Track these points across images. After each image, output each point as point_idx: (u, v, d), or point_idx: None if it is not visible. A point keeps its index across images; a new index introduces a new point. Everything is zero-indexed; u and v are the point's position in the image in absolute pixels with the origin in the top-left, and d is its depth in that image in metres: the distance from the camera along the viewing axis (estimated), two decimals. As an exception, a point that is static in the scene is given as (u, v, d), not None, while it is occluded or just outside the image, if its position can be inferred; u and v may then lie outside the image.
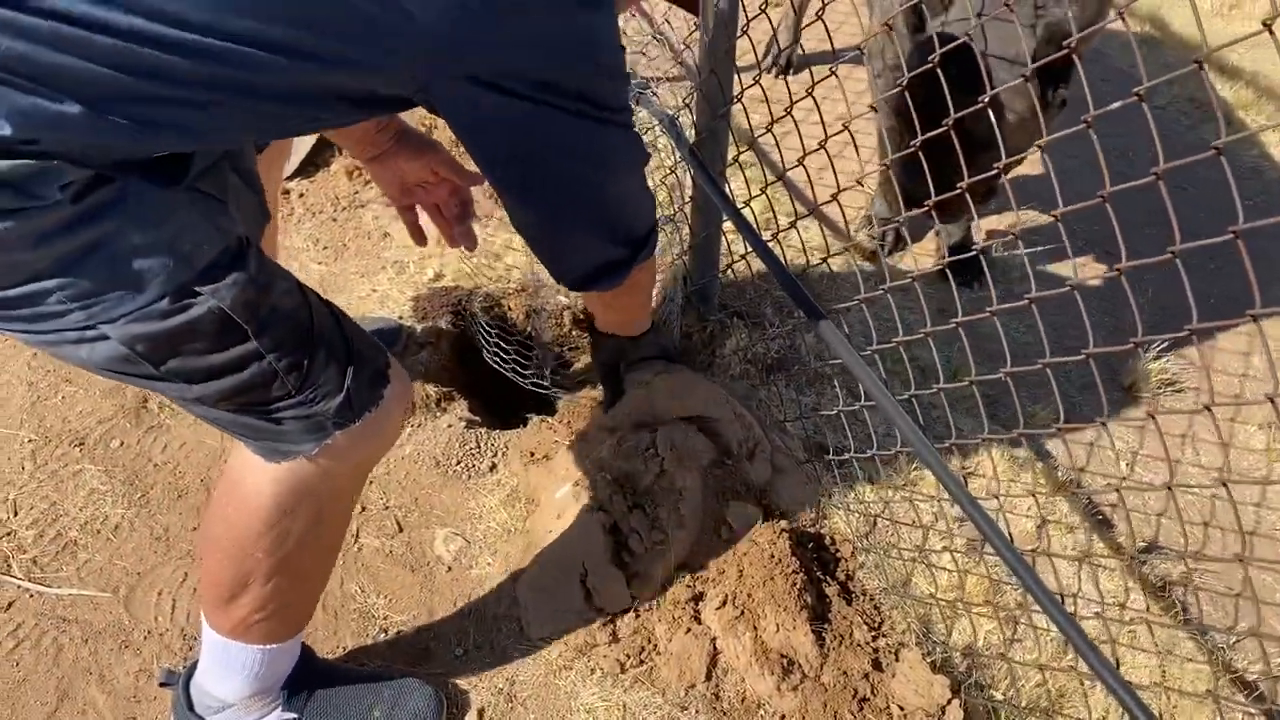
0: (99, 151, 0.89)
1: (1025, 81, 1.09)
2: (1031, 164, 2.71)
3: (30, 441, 1.91)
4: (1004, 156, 1.23)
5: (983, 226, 2.50)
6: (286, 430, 1.12)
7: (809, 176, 1.62)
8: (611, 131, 1.15)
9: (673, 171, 2.01)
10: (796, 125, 1.64)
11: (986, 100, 1.17)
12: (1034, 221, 2.46)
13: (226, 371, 1.04)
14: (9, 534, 1.76)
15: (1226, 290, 2.25)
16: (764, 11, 1.67)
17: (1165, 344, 2.14)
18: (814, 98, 1.51)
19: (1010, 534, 1.48)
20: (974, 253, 1.33)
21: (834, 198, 1.50)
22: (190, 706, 1.43)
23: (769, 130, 1.70)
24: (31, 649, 1.61)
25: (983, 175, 1.24)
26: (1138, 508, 1.92)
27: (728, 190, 1.77)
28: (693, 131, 1.89)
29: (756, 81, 1.74)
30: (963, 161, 1.21)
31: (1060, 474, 1.95)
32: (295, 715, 1.46)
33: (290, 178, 2.52)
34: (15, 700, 1.55)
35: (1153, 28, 3.65)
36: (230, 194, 1.05)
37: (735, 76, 1.78)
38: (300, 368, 1.07)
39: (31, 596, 1.68)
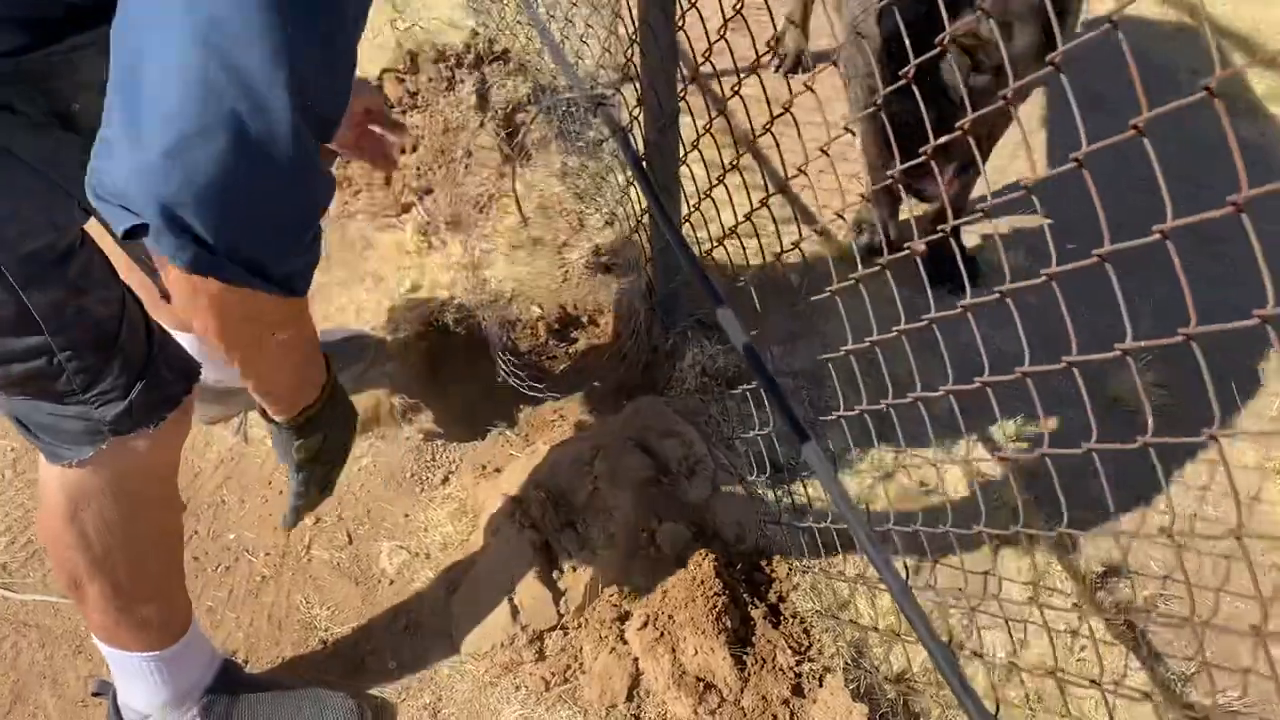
0: None
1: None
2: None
3: (12, 451, 2.00)
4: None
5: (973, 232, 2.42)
6: (67, 430, 1.15)
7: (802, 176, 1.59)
8: None
9: (631, 183, 2.00)
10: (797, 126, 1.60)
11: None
12: (1025, 223, 2.37)
13: (14, 358, 1.07)
14: (-17, 541, 1.85)
15: (1242, 297, 2.13)
16: (694, 6, 1.61)
17: (1154, 353, 2.05)
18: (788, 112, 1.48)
19: (960, 558, 1.44)
20: (943, 239, 1.18)
21: (801, 170, 1.41)
22: (119, 717, 1.49)
23: (739, 149, 1.67)
24: (-9, 653, 1.69)
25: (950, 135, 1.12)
26: (1108, 531, 1.84)
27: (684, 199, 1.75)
28: (642, 143, 1.87)
29: (739, 84, 1.71)
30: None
31: (1024, 492, 1.88)
32: None
33: (285, 188, 2.57)
34: (-26, 703, 1.63)
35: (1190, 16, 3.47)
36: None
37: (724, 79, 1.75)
38: (89, 371, 1.11)
39: (1, 601, 1.76)
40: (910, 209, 2.35)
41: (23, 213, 1.02)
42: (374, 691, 1.62)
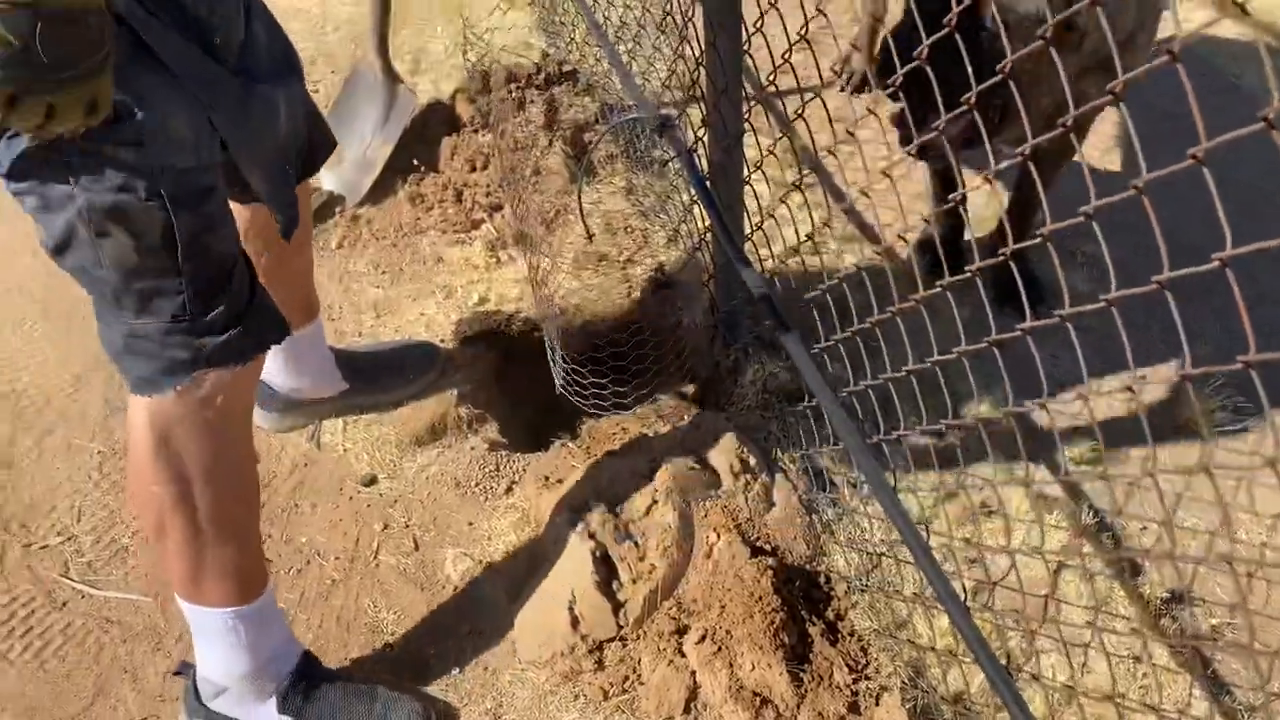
0: None
1: None
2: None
3: (99, 453, 2.09)
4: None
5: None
6: (167, 358, 1.25)
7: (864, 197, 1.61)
8: None
9: (695, 202, 2.03)
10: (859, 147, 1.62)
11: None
12: (1089, 245, 2.35)
13: (148, 273, 1.19)
14: (70, 538, 1.94)
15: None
16: (759, 30, 1.64)
17: (1223, 376, 2.02)
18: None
19: (1020, 579, 1.43)
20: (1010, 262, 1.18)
21: (864, 192, 1.43)
22: (197, 695, 1.56)
23: (798, 171, 1.70)
24: (76, 646, 1.77)
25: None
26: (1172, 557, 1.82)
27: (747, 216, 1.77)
28: (706, 163, 1.90)
29: (816, 96, 1.73)
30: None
31: (1086, 515, 1.87)
32: (289, 716, 1.56)
33: (360, 204, 2.65)
34: (59, 692, 1.71)
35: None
36: (245, 145, 1.26)
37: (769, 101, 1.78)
38: (202, 299, 1.24)
39: (83, 597, 1.84)
40: (971, 231, 2.34)
41: (171, 125, 1.14)
42: (437, 695, 1.67)
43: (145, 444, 1.31)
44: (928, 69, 1.17)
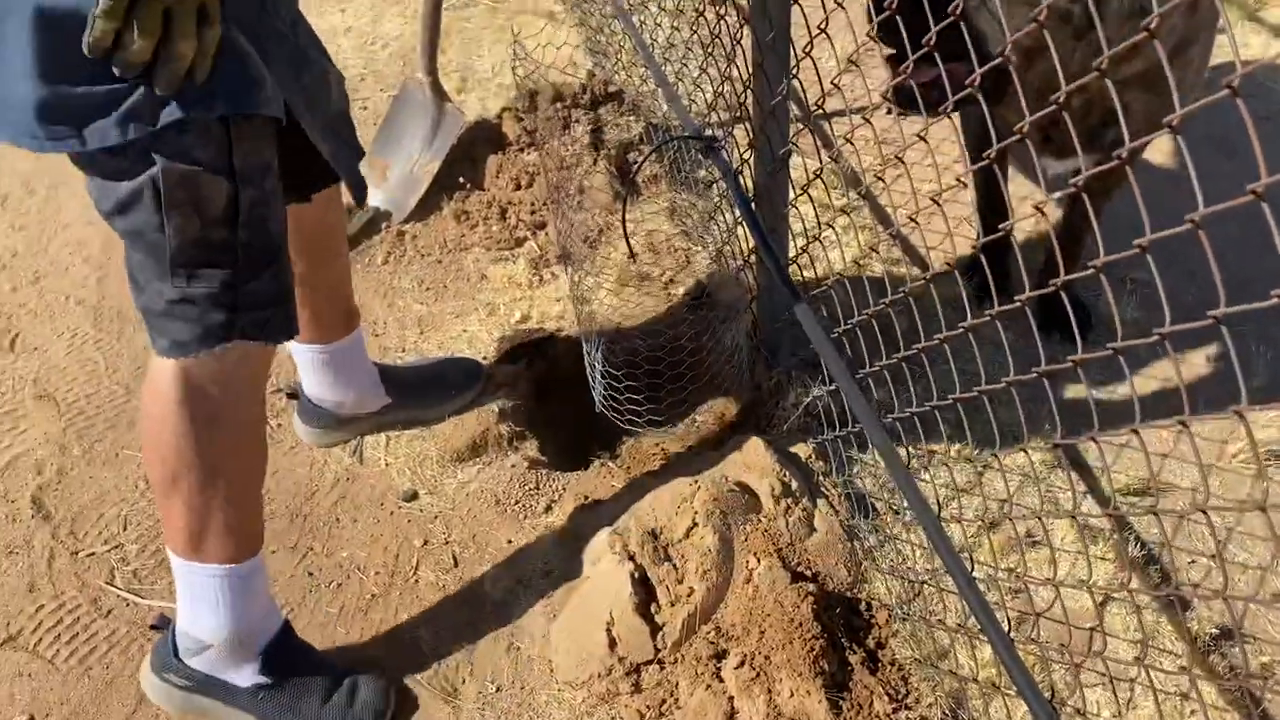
0: None
1: None
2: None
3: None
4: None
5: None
6: (208, 323, 1.30)
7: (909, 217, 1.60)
8: None
9: (739, 223, 2.02)
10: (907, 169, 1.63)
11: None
12: (1140, 273, 2.32)
13: (209, 225, 1.25)
14: (117, 547, 1.97)
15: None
16: (808, 54, 1.64)
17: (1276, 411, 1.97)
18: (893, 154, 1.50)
19: (1065, 611, 1.41)
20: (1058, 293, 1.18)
21: (911, 218, 1.44)
22: (175, 652, 1.59)
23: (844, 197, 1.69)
24: (121, 654, 1.79)
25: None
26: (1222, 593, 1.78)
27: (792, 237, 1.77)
28: (751, 184, 1.90)
29: (867, 120, 1.73)
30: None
31: (1135, 548, 1.83)
32: (267, 679, 1.60)
33: (405, 221, 2.68)
34: (101, 699, 1.73)
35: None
36: (302, 103, 1.35)
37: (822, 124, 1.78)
38: (254, 265, 1.31)
39: (128, 605, 1.87)
40: (1019, 257, 2.32)
41: (255, 73, 1.22)
42: (475, 713, 1.67)
43: (169, 397, 1.37)
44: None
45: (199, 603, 1.54)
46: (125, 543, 1.98)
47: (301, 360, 1.99)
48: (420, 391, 2.14)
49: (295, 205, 1.60)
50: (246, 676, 1.59)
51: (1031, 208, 1.65)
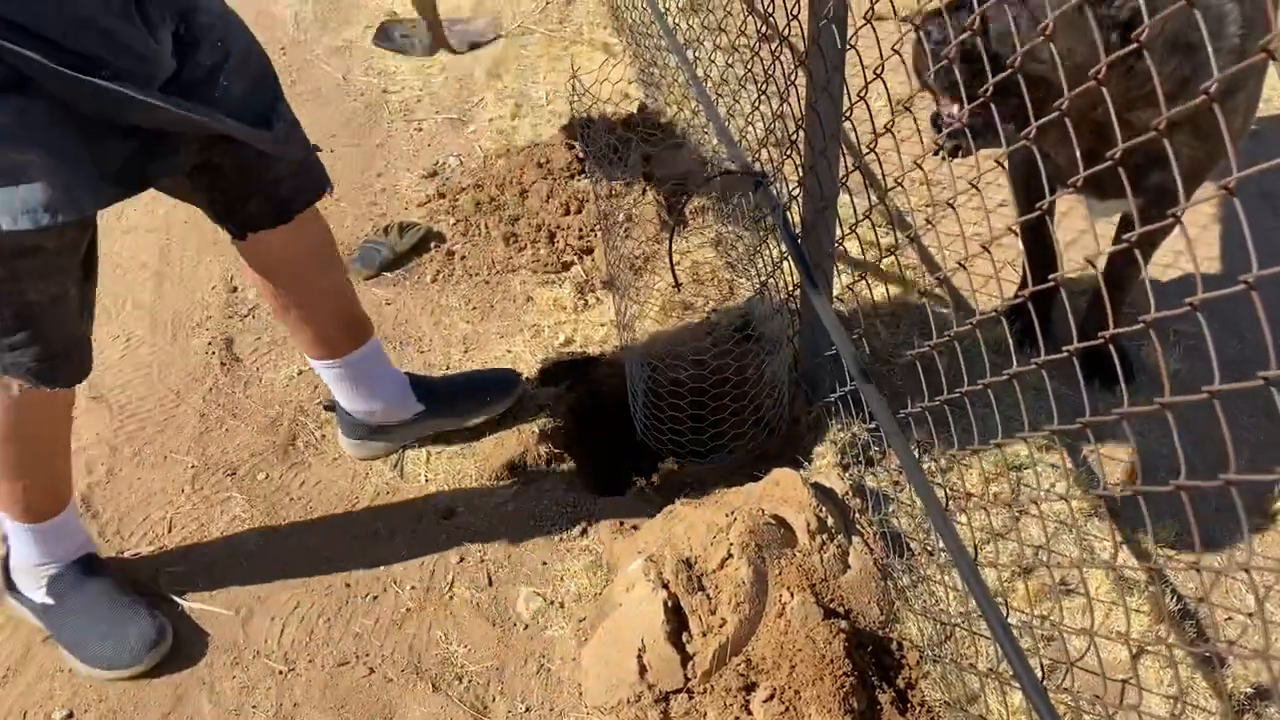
0: None
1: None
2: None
3: (193, 468, 2.17)
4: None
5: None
6: None
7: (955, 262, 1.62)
8: None
9: (785, 257, 2.05)
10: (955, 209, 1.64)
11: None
12: (1184, 325, 2.31)
13: None
14: (161, 549, 2.01)
15: None
16: (862, 99, 1.66)
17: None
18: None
19: (1101, 664, 1.41)
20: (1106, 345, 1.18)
21: (961, 264, 1.46)
22: (7, 567, 1.89)
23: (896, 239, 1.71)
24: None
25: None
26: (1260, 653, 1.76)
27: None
28: (799, 220, 1.92)
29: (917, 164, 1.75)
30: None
31: (1171, 601, 1.82)
32: (52, 602, 1.84)
33: (454, 243, 2.73)
34: (139, 698, 1.77)
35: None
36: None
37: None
38: (6, 329, 1.48)
39: (168, 605, 1.91)
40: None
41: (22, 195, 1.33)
42: (502, 732, 1.69)
43: None
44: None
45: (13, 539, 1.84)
46: (169, 545, 2.02)
47: (324, 376, 2.07)
48: (454, 400, 2.17)
49: (263, 234, 1.75)
50: (40, 594, 1.85)
51: (1083, 260, 1.66)
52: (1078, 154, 1.10)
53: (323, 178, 1.79)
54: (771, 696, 1.60)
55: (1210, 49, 0.90)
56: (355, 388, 2.05)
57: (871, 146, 1.49)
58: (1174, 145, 1.69)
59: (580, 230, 2.68)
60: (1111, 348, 1.31)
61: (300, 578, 1.95)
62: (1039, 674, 1.30)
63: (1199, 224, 2.72)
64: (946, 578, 1.78)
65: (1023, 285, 2.38)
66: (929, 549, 1.86)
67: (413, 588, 1.92)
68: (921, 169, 1.39)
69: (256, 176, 1.67)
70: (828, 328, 1.78)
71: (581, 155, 2.82)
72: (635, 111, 2.95)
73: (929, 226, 1.38)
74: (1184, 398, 0.97)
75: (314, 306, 1.92)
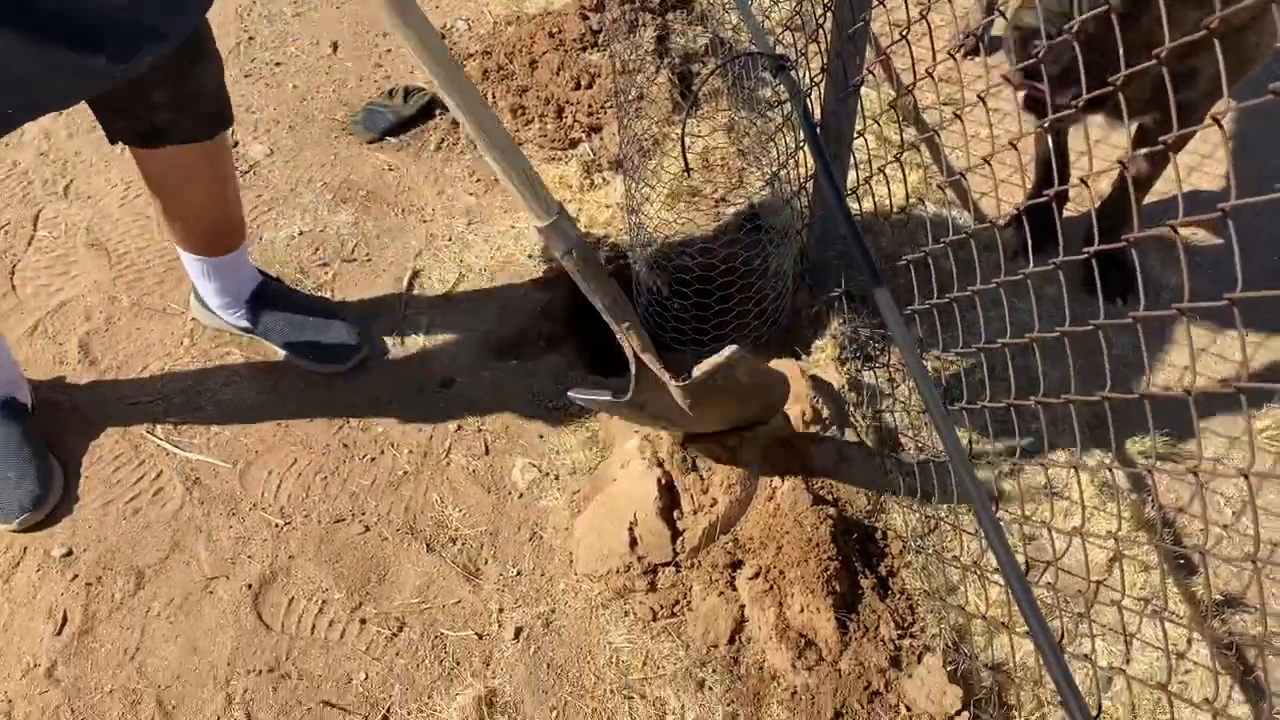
0: None
1: None
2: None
3: (192, 320, 2.16)
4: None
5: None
6: None
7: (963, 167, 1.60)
8: None
9: (800, 148, 2.02)
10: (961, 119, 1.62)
11: None
12: (1191, 237, 2.31)
13: None
14: (160, 399, 2.02)
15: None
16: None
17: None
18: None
19: (1087, 563, 1.44)
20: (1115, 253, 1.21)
21: (986, 160, 1.45)
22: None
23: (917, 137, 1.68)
24: (156, 501, 1.86)
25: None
26: (1231, 556, 1.82)
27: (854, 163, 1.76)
28: (819, 110, 1.89)
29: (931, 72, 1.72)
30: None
31: (1150, 510, 1.87)
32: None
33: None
34: (137, 541, 1.80)
35: None
36: None
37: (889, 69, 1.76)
38: None
39: (167, 454, 1.93)
40: (1092, 205, 2.30)
41: None
42: (493, 593, 1.73)
43: None
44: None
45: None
46: (168, 395, 2.03)
47: (183, 259, 2.04)
48: (284, 329, 2.09)
49: (138, 151, 1.75)
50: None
51: (1114, 161, 1.63)
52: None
53: (211, 125, 1.76)
54: (757, 574, 1.64)
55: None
56: (205, 283, 2.06)
57: (904, 34, 1.46)
58: (1197, 63, 1.67)
59: (590, 106, 2.62)
60: (1133, 251, 1.32)
61: (299, 436, 1.97)
62: (1022, 566, 1.33)
63: (1213, 141, 2.69)
64: (935, 470, 1.81)
65: (1034, 194, 2.36)
66: (920, 445, 1.89)
67: (410, 452, 1.95)
68: (954, 58, 1.36)
69: (127, 96, 1.61)
70: (841, 221, 1.76)
71: (596, 27, 2.75)
72: (653, -15, 2.86)
73: (955, 119, 1.36)
74: (1202, 304, 0.97)
75: (176, 212, 1.91)
